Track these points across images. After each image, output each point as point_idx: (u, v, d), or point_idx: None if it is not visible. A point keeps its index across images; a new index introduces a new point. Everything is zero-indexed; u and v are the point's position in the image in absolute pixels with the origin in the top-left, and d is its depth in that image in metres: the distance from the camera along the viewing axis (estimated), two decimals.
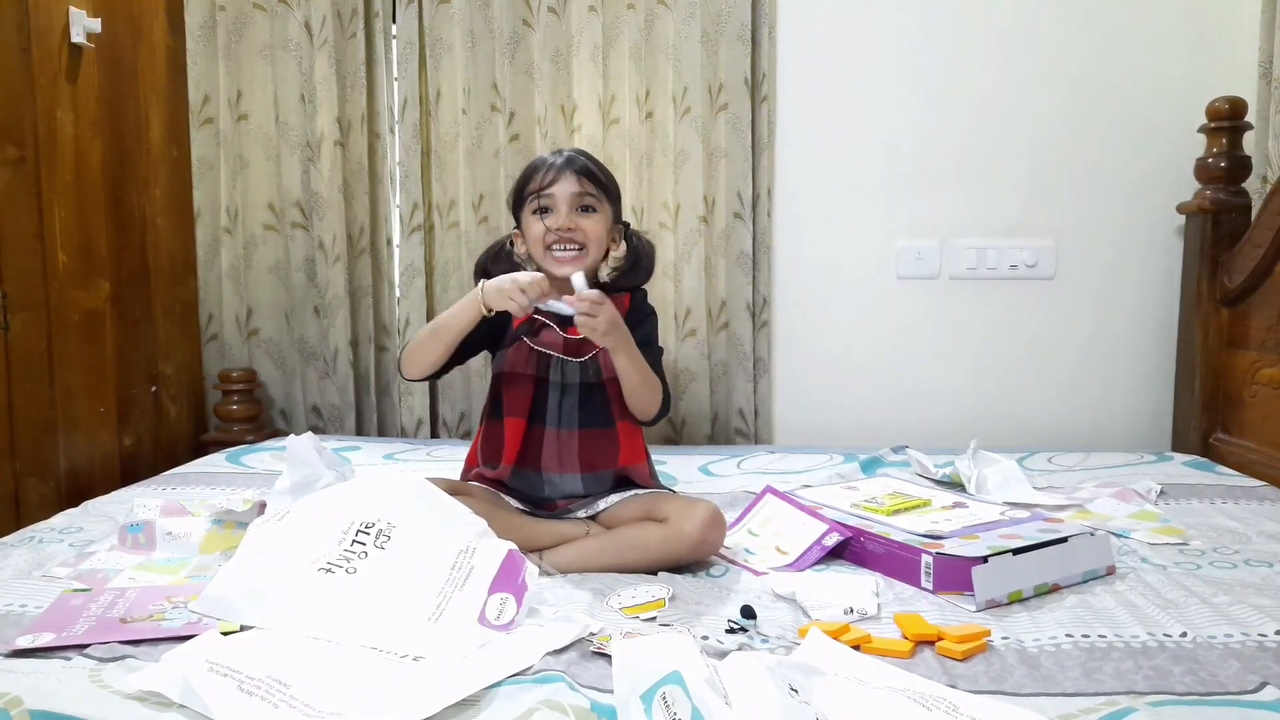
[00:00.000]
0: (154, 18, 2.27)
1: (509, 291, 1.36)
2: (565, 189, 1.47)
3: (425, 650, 1.06)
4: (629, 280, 1.58)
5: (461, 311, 1.42)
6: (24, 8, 1.84)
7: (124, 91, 2.16)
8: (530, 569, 1.20)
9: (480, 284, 1.40)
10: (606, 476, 1.51)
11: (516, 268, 1.57)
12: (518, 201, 1.53)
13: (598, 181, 1.50)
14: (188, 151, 2.39)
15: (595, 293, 1.35)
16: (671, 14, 2.25)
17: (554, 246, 1.47)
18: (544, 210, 1.48)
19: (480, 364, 2.36)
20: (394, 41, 2.36)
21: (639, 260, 1.58)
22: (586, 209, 1.49)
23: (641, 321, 1.55)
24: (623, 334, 1.40)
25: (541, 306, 1.38)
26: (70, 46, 1.97)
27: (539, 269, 1.54)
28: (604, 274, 1.60)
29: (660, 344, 1.61)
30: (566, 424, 1.48)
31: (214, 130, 2.39)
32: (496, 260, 1.58)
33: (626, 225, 1.59)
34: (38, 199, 1.89)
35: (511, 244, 1.59)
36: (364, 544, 1.21)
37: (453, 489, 1.42)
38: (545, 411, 1.49)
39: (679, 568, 1.37)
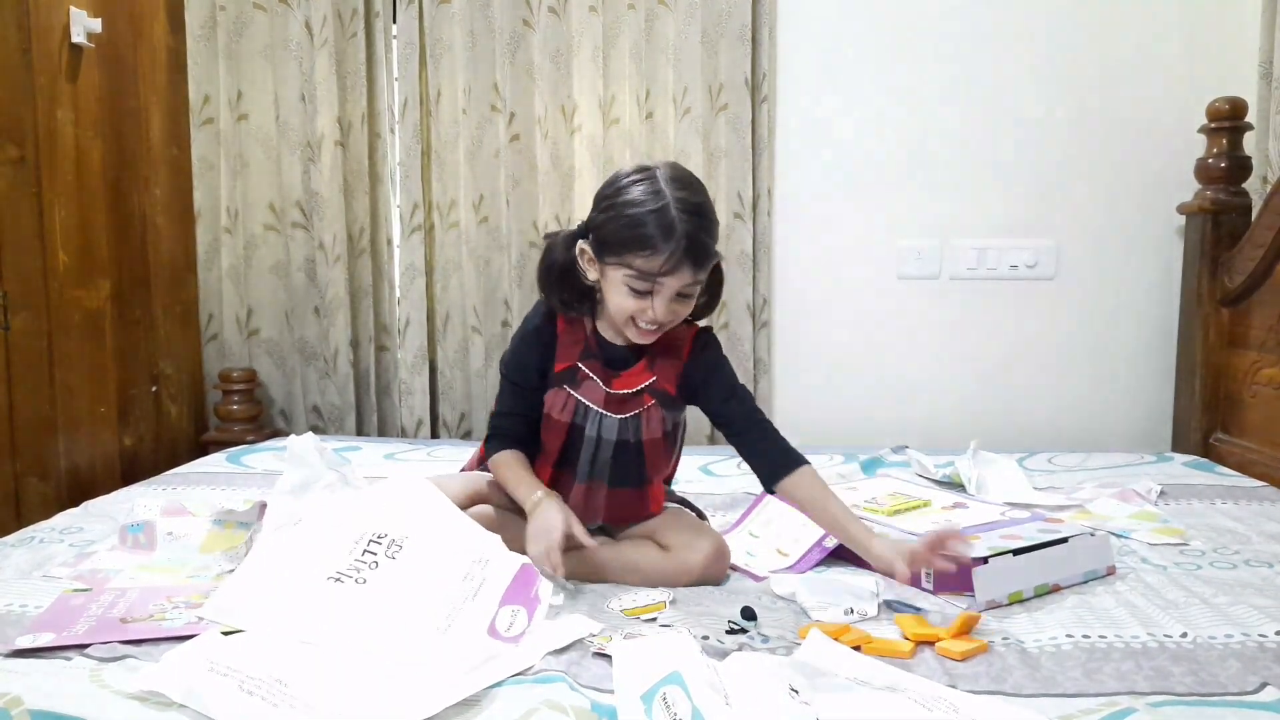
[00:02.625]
0: (154, 18, 2.27)
1: (541, 554, 1.24)
2: (677, 283, 1.25)
3: (431, 661, 1.06)
4: (701, 313, 1.40)
5: (515, 494, 1.36)
6: (24, 8, 1.84)
7: (124, 91, 2.16)
8: (545, 583, 1.20)
9: (531, 514, 1.30)
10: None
11: (580, 284, 1.34)
12: (610, 246, 1.27)
13: (709, 262, 1.28)
14: (188, 151, 2.39)
15: None
16: (672, 14, 2.25)
17: (640, 323, 1.30)
18: (643, 293, 1.26)
19: (480, 365, 2.37)
20: (394, 41, 2.36)
21: (715, 292, 1.39)
22: (686, 295, 1.29)
23: (708, 375, 1.38)
24: None
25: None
26: (71, 46, 1.97)
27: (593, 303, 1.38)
28: None
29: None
30: (597, 478, 1.38)
31: (214, 130, 2.39)
32: (568, 260, 1.33)
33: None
34: (38, 199, 1.89)
35: (580, 252, 1.33)
36: (375, 554, 1.20)
37: (469, 489, 1.41)
38: (575, 463, 1.38)
39: None
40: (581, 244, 1.32)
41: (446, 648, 1.08)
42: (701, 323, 1.42)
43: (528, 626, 1.13)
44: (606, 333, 1.38)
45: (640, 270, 1.24)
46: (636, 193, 1.25)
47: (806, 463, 1.34)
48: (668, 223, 1.22)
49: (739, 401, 1.38)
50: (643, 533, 1.40)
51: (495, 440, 1.42)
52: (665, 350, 1.37)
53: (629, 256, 1.24)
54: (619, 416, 1.35)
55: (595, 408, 1.36)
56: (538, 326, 1.39)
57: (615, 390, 1.36)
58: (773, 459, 1.35)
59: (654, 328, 1.30)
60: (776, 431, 1.37)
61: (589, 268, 1.32)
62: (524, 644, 1.10)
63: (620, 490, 1.39)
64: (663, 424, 1.37)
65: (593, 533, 1.42)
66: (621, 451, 1.36)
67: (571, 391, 1.36)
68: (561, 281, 1.35)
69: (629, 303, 1.27)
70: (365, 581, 1.17)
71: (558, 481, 1.39)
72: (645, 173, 1.27)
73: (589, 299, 1.37)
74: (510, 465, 1.38)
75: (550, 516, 1.28)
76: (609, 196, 1.28)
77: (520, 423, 1.40)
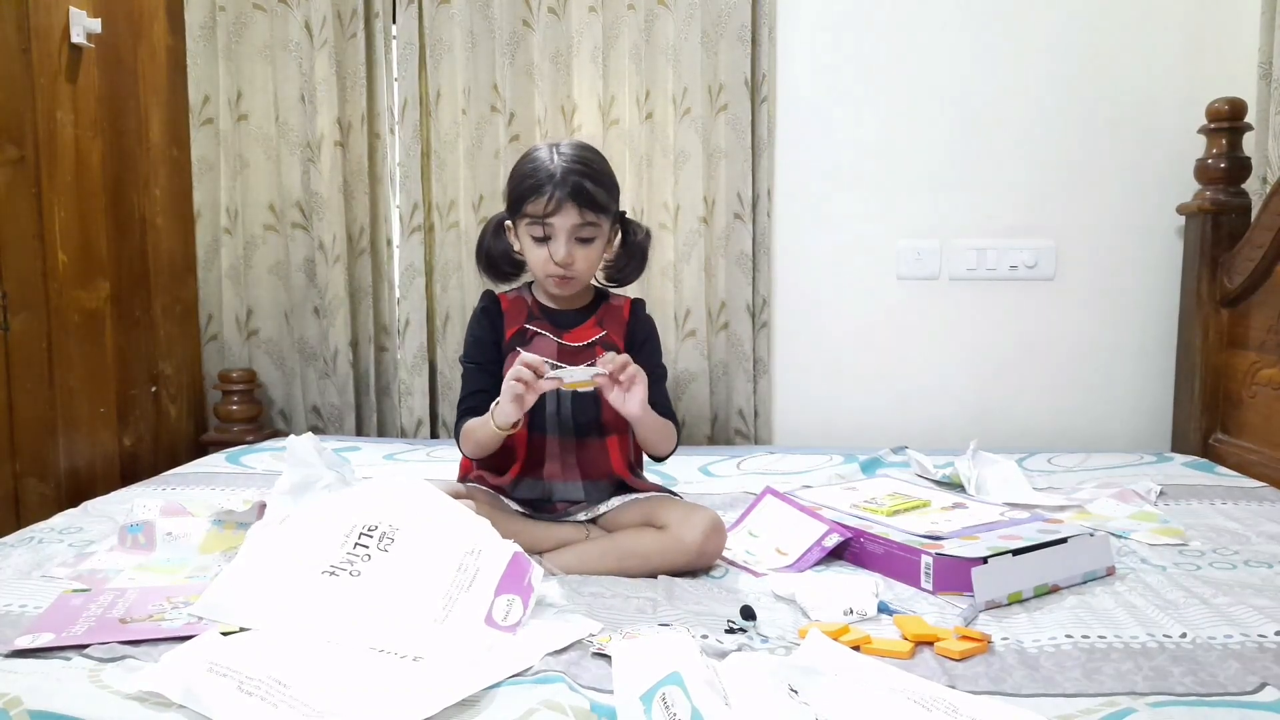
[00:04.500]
0: (154, 18, 2.27)
1: (513, 396, 1.31)
2: (565, 221, 1.40)
3: (432, 652, 1.06)
4: (623, 275, 1.55)
5: (488, 436, 1.39)
6: (24, 8, 1.84)
7: (124, 92, 2.16)
8: (536, 570, 1.20)
9: (490, 414, 1.36)
10: (605, 484, 1.50)
11: (513, 256, 1.52)
12: (514, 204, 1.46)
13: (598, 206, 1.42)
14: (188, 152, 2.39)
15: (621, 358, 1.33)
16: (671, 15, 2.25)
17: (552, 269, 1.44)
18: (544, 238, 1.42)
19: None
20: (394, 42, 2.36)
21: (634, 255, 1.53)
22: (585, 240, 1.43)
23: (645, 340, 1.53)
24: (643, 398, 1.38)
25: (560, 376, 1.33)
26: (70, 47, 1.97)
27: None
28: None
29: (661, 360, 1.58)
30: (565, 433, 1.47)
31: (214, 130, 2.39)
32: (498, 236, 1.52)
33: (622, 216, 1.52)
34: (38, 199, 1.89)
35: (507, 228, 1.52)
36: (367, 547, 1.21)
37: (452, 493, 1.42)
38: (544, 419, 1.46)
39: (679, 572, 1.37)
40: (507, 221, 1.50)
41: (445, 638, 1.08)
42: (634, 294, 1.59)
43: (524, 615, 1.13)
44: (547, 301, 1.52)
45: (532, 215, 1.41)
46: (531, 156, 1.45)
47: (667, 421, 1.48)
48: (550, 170, 1.40)
49: (654, 380, 1.48)
50: (638, 519, 1.43)
51: (462, 419, 1.47)
52: (609, 311, 1.53)
53: (525, 206, 1.42)
54: (573, 368, 1.43)
55: (550, 361, 1.43)
56: (483, 308, 1.53)
57: (568, 342, 1.48)
58: None
59: (564, 273, 1.43)
60: (666, 409, 1.50)
61: (514, 240, 1.50)
62: (520, 633, 1.11)
63: (585, 442, 1.48)
64: None
65: (584, 525, 1.47)
66: (580, 402, 1.46)
67: (523, 351, 1.43)
68: (491, 257, 1.53)
69: (536, 253, 1.43)
70: (359, 574, 1.17)
71: (533, 444, 1.47)
72: (546, 144, 1.46)
73: (522, 270, 1.54)
74: (474, 424, 1.42)
75: (501, 400, 1.33)
76: (515, 167, 1.47)
77: (486, 399, 1.44)
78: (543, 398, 1.45)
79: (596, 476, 1.49)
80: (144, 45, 2.24)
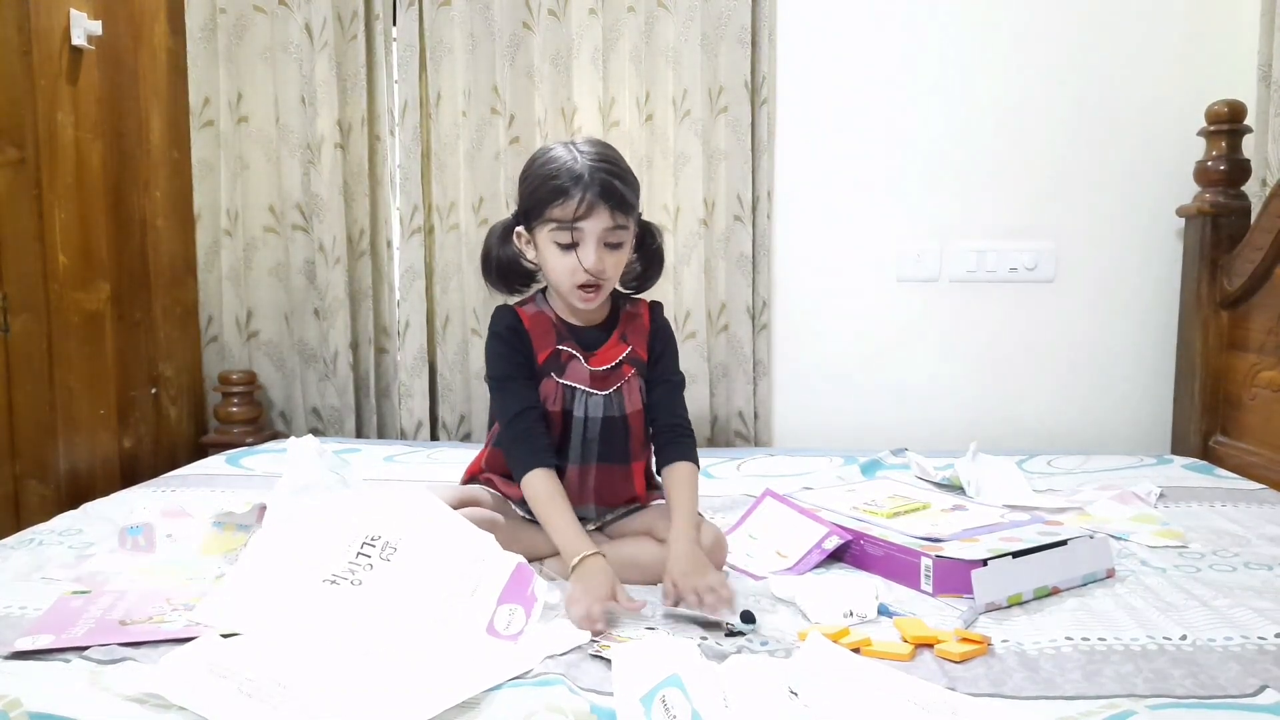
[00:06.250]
0: (154, 20, 2.28)
1: (582, 618, 1.16)
2: (598, 225, 1.30)
3: (431, 661, 1.06)
4: (642, 283, 1.48)
5: (546, 528, 1.31)
6: (25, 10, 1.84)
7: (124, 93, 2.17)
8: (539, 580, 1.20)
9: (574, 569, 1.23)
10: (620, 506, 1.47)
11: (521, 267, 1.43)
12: (534, 209, 1.34)
13: (628, 207, 1.32)
14: (188, 153, 2.39)
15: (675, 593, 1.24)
16: (672, 17, 2.25)
17: (580, 280, 1.34)
18: (572, 245, 1.32)
19: (479, 367, 2.37)
20: (394, 44, 2.36)
21: (654, 261, 1.46)
22: (613, 245, 1.33)
23: (665, 349, 1.46)
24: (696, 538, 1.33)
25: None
26: (71, 48, 1.97)
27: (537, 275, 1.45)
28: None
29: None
30: (585, 459, 1.40)
31: (214, 132, 2.39)
32: (505, 243, 1.42)
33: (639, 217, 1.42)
34: (38, 201, 1.89)
35: (517, 235, 1.40)
36: (369, 556, 1.21)
37: (461, 495, 1.42)
38: (569, 449, 1.40)
39: None
40: (518, 229, 1.39)
41: (446, 647, 1.08)
42: (649, 298, 1.51)
43: (525, 625, 1.13)
44: (569, 317, 1.42)
45: (559, 220, 1.30)
46: (550, 156, 1.34)
47: (688, 460, 1.41)
48: (578, 172, 1.30)
49: (673, 387, 1.46)
50: (639, 528, 1.41)
51: (519, 447, 1.36)
52: (630, 321, 1.45)
53: (548, 211, 1.31)
54: (603, 393, 1.40)
55: (583, 387, 1.39)
56: (509, 326, 1.41)
57: (597, 367, 1.40)
58: (665, 444, 1.43)
59: (593, 285, 1.34)
60: (684, 423, 1.44)
61: (526, 249, 1.39)
62: (522, 642, 1.10)
63: (607, 467, 1.41)
64: (641, 394, 1.43)
65: (587, 531, 1.43)
66: (608, 428, 1.40)
67: (559, 379, 1.38)
68: (500, 267, 1.43)
69: (561, 262, 1.33)
70: (361, 583, 1.17)
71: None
72: (560, 143, 1.36)
73: (532, 280, 1.45)
74: (552, 500, 1.32)
75: (595, 582, 1.20)
76: (527, 168, 1.37)
77: (535, 417, 1.37)
78: (569, 431, 1.39)
79: (614, 502, 1.45)
80: (144, 47, 2.24)
